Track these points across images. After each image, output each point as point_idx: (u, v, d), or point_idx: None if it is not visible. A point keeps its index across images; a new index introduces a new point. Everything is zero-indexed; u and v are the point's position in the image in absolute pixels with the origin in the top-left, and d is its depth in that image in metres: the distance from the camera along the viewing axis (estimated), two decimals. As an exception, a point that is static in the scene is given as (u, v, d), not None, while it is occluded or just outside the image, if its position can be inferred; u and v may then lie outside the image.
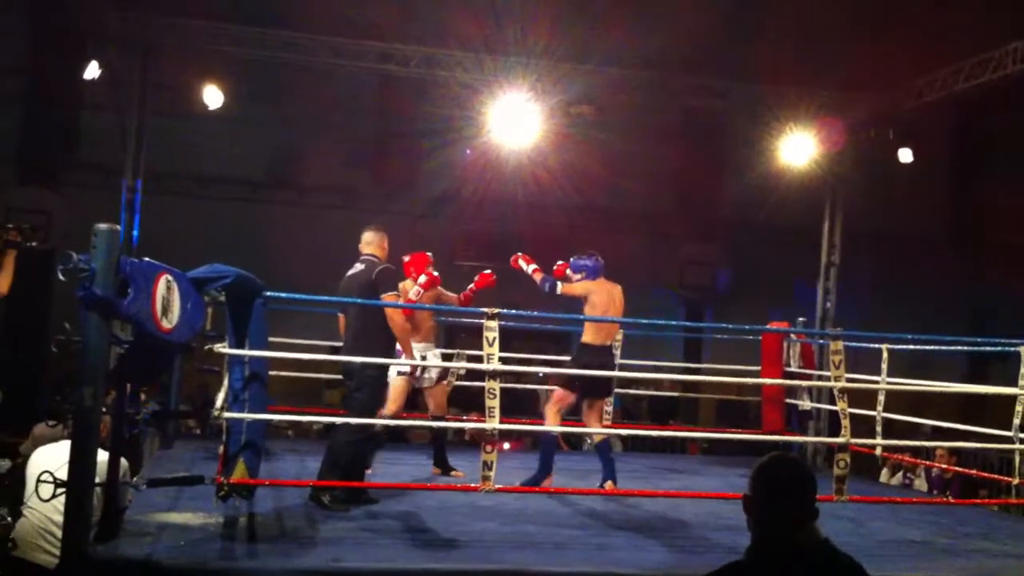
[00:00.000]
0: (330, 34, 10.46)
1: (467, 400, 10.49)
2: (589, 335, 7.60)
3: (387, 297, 6.55)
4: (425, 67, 10.52)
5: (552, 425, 7.49)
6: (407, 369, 7.33)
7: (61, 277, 4.51)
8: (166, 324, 4.83)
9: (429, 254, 7.97)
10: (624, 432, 7.27)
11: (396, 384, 7.63)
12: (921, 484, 9.82)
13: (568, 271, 7.81)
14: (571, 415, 10.61)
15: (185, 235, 11.28)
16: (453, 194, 13.82)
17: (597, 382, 7.54)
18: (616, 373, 8.02)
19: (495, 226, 15.06)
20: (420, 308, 7.52)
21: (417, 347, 7.42)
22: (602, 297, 7.60)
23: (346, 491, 6.38)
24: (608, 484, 7.46)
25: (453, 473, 8.04)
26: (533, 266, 7.82)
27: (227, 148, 13.58)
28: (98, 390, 4.55)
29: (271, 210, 14.10)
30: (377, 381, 6.68)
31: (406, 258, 7.89)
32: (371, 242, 6.86)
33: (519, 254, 7.98)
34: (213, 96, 10.43)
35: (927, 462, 9.80)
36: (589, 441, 12.12)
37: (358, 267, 6.78)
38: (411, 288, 7.52)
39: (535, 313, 7.33)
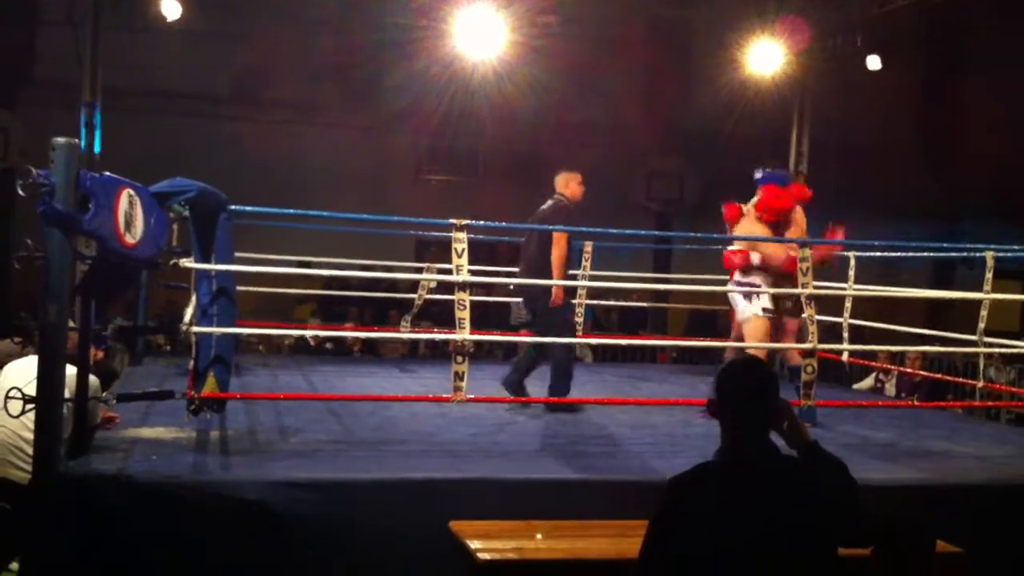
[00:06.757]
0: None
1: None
2: None
3: (556, 234, 6.90)
4: (388, -25, 10.31)
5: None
6: (771, 306, 6.93)
7: (21, 193, 4.43)
8: (129, 239, 4.76)
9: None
10: (594, 342, 7.27)
11: (756, 325, 6.94)
12: (892, 388, 9.97)
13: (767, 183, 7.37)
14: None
15: (146, 152, 11.08)
16: (417, 107, 13.61)
17: None
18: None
19: (460, 140, 14.93)
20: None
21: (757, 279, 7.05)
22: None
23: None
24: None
25: None
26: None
27: (186, 63, 13.33)
28: (63, 306, 4.50)
29: (232, 125, 13.89)
30: (554, 307, 6.96)
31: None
32: (558, 181, 7.28)
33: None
34: (171, 8, 10.19)
35: (893, 366, 9.93)
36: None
37: (546, 204, 7.25)
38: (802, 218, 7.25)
39: (504, 224, 7.27)
